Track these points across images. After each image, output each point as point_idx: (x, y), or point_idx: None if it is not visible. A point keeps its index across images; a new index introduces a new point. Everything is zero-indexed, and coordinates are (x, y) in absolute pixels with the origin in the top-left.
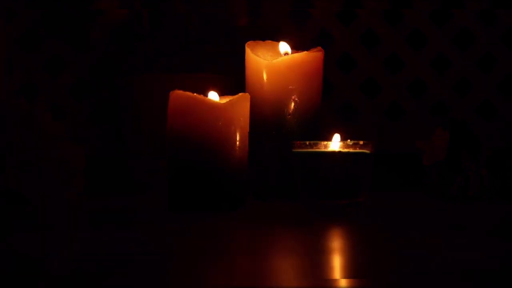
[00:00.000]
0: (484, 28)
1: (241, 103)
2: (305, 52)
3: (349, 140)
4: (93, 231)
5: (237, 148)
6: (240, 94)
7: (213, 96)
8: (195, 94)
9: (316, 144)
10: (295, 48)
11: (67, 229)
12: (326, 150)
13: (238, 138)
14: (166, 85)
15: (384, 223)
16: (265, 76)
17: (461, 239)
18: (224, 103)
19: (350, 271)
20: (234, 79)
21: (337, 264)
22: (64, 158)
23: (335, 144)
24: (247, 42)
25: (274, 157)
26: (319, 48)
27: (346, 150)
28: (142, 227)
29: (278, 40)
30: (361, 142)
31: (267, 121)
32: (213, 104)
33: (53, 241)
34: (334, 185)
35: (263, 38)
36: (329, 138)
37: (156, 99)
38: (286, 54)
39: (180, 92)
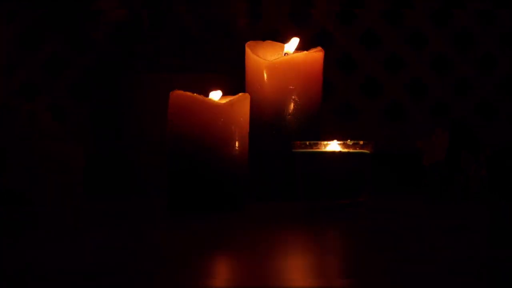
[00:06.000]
0: (484, 28)
1: (241, 103)
2: (305, 52)
3: (349, 140)
4: (93, 231)
5: (237, 148)
6: (240, 94)
7: (215, 95)
8: (195, 94)
9: (316, 144)
10: (295, 48)
11: (67, 229)
12: (326, 150)
13: (238, 138)
14: (166, 85)
15: (384, 223)
16: (265, 76)
17: (460, 239)
18: (224, 103)
19: (350, 271)
20: (234, 79)
21: (336, 264)
22: (64, 158)
23: (335, 144)
24: (247, 42)
25: (274, 157)
26: (319, 48)
27: (346, 150)
28: (142, 227)
29: (278, 40)
30: (361, 142)
31: (267, 121)
32: (213, 104)
33: (53, 241)
34: (334, 185)
35: (263, 38)
36: (328, 139)
37: (156, 99)
38: (286, 54)
39: (180, 92)
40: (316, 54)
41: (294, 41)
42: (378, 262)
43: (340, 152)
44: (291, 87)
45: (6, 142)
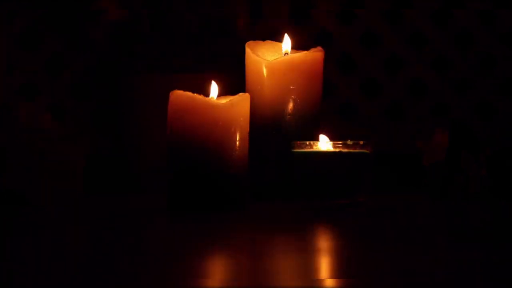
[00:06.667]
0: (484, 28)
1: (241, 103)
2: (305, 52)
3: (349, 140)
4: (93, 231)
5: (237, 148)
6: (240, 94)
7: (214, 88)
8: (195, 94)
9: (316, 144)
10: (295, 48)
11: (66, 229)
12: (326, 150)
13: (238, 138)
14: (166, 85)
15: (384, 223)
16: (265, 76)
17: (460, 239)
18: (224, 103)
19: (350, 271)
20: (234, 79)
21: (337, 264)
22: (64, 158)
23: (335, 144)
24: (247, 42)
25: (274, 157)
26: (319, 48)
27: (346, 150)
28: (142, 227)
29: (278, 40)
30: (361, 142)
31: (267, 121)
32: (213, 104)
33: (52, 241)
34: (334, 185)
35: (263, 38)
36: (329, 138)
37: (156, 99)
38: (286, 54)
39: (180, 92)
40: (316, 54)
41: (286, 39)
42: (378, 262)
43: (340, 152)
44: (291, 87)
45: (6, 142)
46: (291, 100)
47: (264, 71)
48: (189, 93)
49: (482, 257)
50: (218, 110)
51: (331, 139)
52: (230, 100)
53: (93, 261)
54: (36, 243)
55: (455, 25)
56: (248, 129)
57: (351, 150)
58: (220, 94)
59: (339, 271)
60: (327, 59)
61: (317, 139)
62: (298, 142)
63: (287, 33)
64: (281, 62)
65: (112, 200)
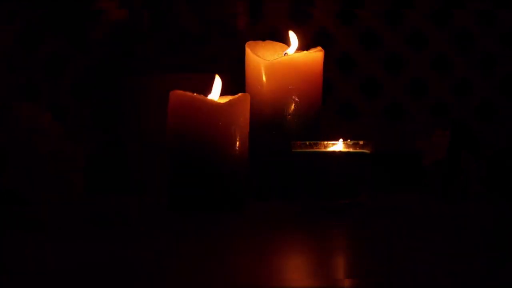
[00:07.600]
0: (484, 28)
1: (241, 103)
2: (305, 52)
3: (349, 140)
4: (93, 231)
5: (237, 148)
6: (240, 94)
7: (217, 84)
8: (195, 94)
9: (316, 144)
10: (296, 44)
11: (66, 229)
12: (326, 150)
13: (238, 138)
14: (166, 85)
15: (384, 223)
16: (265, 76)
17: (460, 239)
18: (224, 103)
19: (349, 271)
20: (234, 79)
21: (336, 264)
22: (64, 158)
23: (335, 144)
24: (247, 42)
25: (274, 157)
26: (319, 48)
27: (346, 150)
28: (142, 227)
29: (278, 40)
30: (361, 142)
31: (267, 121)
32: (213, 104)
33: (52, 241)
34: (334, 185)
35: (263, 38)
36: (329, 138)
37: (156, 99)
38: (286, 54)
39: (180, 92)
40: (316, 54)
41: (293, 38)
42: (378, 262)
43: (340, 152)
44: (291, 87)
45: (6, 142)
46: (291, 100)
47: (264, 71)
48: (189, 93)
49: (482, 257)
50: (218, 110)
51: (330, 139)
52: (230, 100)
53: (93, 261)
54: (36, 243)
55: (455, 25)
56: (248, 129)
57: (351, 150)
58: (220, 94)
59: (339, 271)
60: (327, 59)
61: (317, 139)
62: (299, 142)
63: (284, 40)
64: (281, 62)
65: (112, 200)
